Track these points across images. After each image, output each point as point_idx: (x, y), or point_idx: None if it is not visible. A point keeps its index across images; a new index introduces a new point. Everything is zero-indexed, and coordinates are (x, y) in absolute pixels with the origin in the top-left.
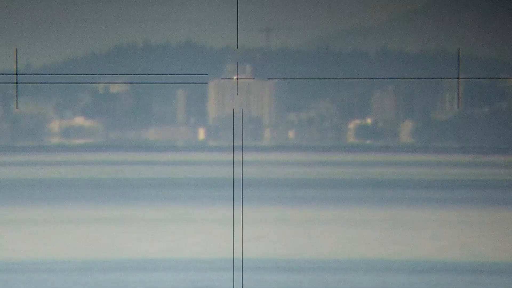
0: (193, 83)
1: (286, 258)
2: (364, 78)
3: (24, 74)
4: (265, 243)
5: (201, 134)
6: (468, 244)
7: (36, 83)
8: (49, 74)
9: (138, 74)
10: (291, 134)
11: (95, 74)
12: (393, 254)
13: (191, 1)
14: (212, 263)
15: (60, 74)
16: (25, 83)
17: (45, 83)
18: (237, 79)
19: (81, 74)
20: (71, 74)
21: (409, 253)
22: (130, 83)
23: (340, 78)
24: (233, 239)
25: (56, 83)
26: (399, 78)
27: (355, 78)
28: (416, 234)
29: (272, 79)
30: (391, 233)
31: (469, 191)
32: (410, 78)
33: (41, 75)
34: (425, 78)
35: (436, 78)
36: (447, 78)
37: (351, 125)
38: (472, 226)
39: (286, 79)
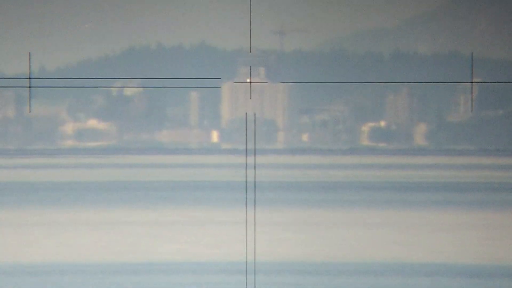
0: (207, 87)
1: (299, 260)
2: (378, 82)
3: (38, 78)
4: (277, 246)
5: (215, 137)
6: (483, 246)
7: (49, 86)
8: (63, 78)
9: (152, 78)
10: (304, 137)
11: (109, 78)
12: (408, 257)
13: (205, 4)
14: (225, 266)
15: (74, 78)
16: (38, 87)
17: (58, 87)
18: (250, 82)
19: (94, 78)
20: (84, 78)
21: (424, 255)
22: (143, 86)
23: (353, 82)
24: (245, 242)
25: (69, 86)
26: (412, 82)
27: (369, 82)
28: (431, 237)
29: (285, 82)
30: (406, 236)
31: (484, 194)
32: (423, 82)
33: (55, 79)
34: (439, 82)
35: (449, 82)
36: (461, 82)
37: (365, 128)
38: (488, 228)
39: (299, 82)
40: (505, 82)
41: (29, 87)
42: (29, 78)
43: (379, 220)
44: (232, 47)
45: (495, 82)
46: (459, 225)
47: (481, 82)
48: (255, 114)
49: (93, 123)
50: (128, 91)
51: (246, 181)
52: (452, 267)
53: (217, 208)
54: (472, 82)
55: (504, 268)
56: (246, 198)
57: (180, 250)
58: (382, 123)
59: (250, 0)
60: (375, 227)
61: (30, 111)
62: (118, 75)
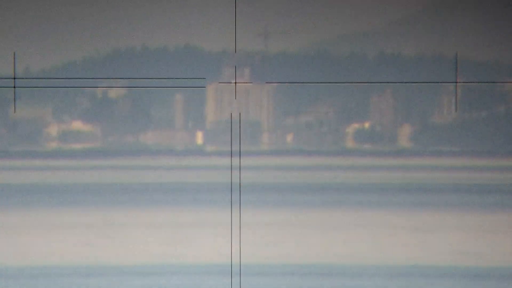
0: (191, 87)
1: (284, 262)
2: (362, 82)
3: (23, 78)
4: (263, 248)
5: (199, 138)
6: (464, 248)
7: (34, 87)
8: (47, 78)
9: (136, 79)
10: (289, 138)
11: (93, 79)
12: (389, 259)
13: (189, 5)
14: (210, 267)
15: (58, 78)
16: (23, 87)
17: (43, 87)
18: (235, 83)
19: (79, 78)
20: (69, 78)
21: (409, 257)
22: (128, 87)
23: (338, 82)
24: (231, 244)
25: (54, 87)
26: (397, 82)
27: (353, 82)
28: (418, 238)
29: (270, 83)
30: (389, 237)
31: (467, 195)
32: (408, 82)
33: (40, 79)
34: (423, 82)
35: (434, 82)
36: (445, 82)
37: (349, 129)
38: (470, 230)
39: (284, 83)
40: (489, 83)
41: (14, 87)
42: (14, 78)
43: (364, 221)
44: (217, 48)
45: (479, 83)
46: (440, 226)
47: (465, 83)
48: (240, 114)
49: (77, 124)
50: (113, 93)
51: (231, 183)
52: (433, 268)
53: (202, 210)
54: (456, 83)
55: (489, 269)
56: (231, 200)
57: (165, 252)
58: (367, 124)
59: (235, 1)
60: (360, 228)
61: (14, 112)
62: (103, 76)
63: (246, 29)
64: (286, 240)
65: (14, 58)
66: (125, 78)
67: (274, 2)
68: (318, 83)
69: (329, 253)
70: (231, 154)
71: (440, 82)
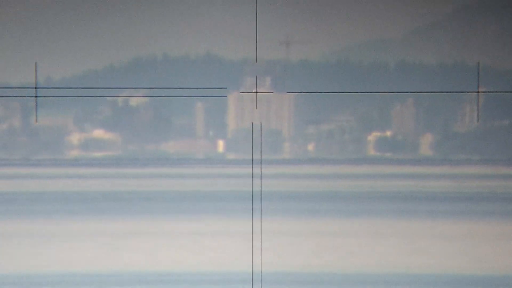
0: (212, 96)
1: (305, 271)
2: (384, 92)
3: (44, 88)
4: (284, 256)
5: (220, 147)
6: (488, 257)
7: (55, 96)
8: (68, 88)
9: (157, 88)
10: (310, 147)
11: (114, 88)
12: (413, 267)
13: (210, 14)
14: (231, 276)
15: (79, 87)
16: (44, 96)
17: (64, 96)
18: (256, 92)
19: (100, 88)
20: (90, 88)
21: (431, 266)
22: (149, 96)
23: (359, 92)
24: (252, 252)
25: (75, 96)
26: (418, 92)
27: (375, 92)
28: (439, 246)
29: (291, 92)
30: (412, 246)
31: (490, 204)
32: (429, 92)
33: (61, 89)
34: (445, 92)
35: (455, 92)
36: (467, 92)
37: (371, 138)
38: (495, 238)
39: (306, 92)
40: (511, 92)
41: (36, 96)
42: (35, 88)
43: (386, 230)
44: (238, 57)
45: (502, 92)
46: (465, 235)
47: (487, 92)
48: (261, 123)
49: (99, 133)
50: (134, 101)
51: (252, 191)
52: (459, 277)
53: (223, 218)
54: (478, 92)
55: (509, 278)
56: (252, 208)
57: (186, 260)
58: (388, 133)
59: (256, 10)
60: (382, 237)
61: (36, 121)
62: (124, 85)
63: (267, 38)
64: (307, 248)
65: (36, 68)
66: (146, 88)
67: (295, 11)
68: (339, 92)
69: (351, 261)
70: (252, 163)
71: (462, 92)
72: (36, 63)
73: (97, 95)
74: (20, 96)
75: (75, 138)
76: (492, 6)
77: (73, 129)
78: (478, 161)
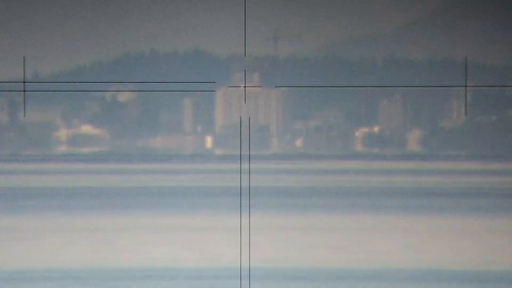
0: (201, 91)
1: (294, 266)
2: (371, 87)
3: (32, 82)
4: (272, 251)
5: (208, 142)
6: (472, 252)
7: (43, 91)
8: (57, 82)
9: (145, 82)
10: (298, 142)
11: (102, 83)
12: (403, 261)
13: (199, 10)
14: (219, 271)
15: (68, 82)
16: (32, 91)
17: (52, 91)
18: (245, 87)
19: (88, 82)
20: (78, 82)
21: (420, 260)
22: (137, 91)
23: (347, 86)
24: (240, 247)
25: (63, 91)
26: (406, 86)
27: (362, 87)
28: (424, 241)
29: (279, 87)
30: (402, 240)
31: (477, 199)
32: (417, 86)
33: (49, 83)
34: (433, 86)
35: (443, 86)
36: (455, 86)
37: (358, 134)
38: (480, 234)
39: (294, 87)
40: (499, 87)
41: (23, 91)
42: (23, 82)
43: (375, 224)
44: (226, 53)
45: (489, 87)
46: (451, 230)
47: (475, 87)
48: (249, 118)
49: (87, 128)
50: (122, 97)
51: (240, 186)
52: (445, 272)
53: (212, 214)
54: (466, 87)
55: (500, 273)
56: (240, 203)
57: (174, 256)
58: (376, 129)
59: (244, 6)
60: (370, 231)
61: (24, 116)
62: (112, 80)
63: (255, 33)
64: (295, 243)
65: (24, 63)
66: (134, 82)
67: (283, 7)
68: (327, 87)
69: (339, 256)
70: (240, 158)
71: (450, 86)
72: (24, 57)
73: (85, 90)
74: (9, 90)
75: (63, 133)
76: (480, 3)
77: (61, 125)
78: (466, 156)
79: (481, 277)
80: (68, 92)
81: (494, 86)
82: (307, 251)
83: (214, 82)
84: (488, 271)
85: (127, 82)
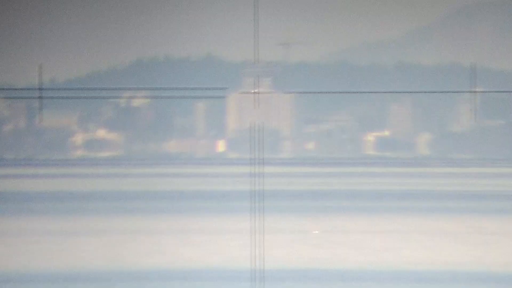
0: (213, 97)
1: (307, 267)
2: (382, 92)
3: (48, 89)
4: (286, 253)
5: (221, 146)
6: (484, 255)
7: (59, 97)
8: (72, 89)
9: (159, 88)
10: (309, 146)
11: (117, 89)
12: (411, 264)
13: (211, 15)
14: (233, 273)
15: (83, 88)
16: (49, 97)
17: (68, 97)
18: (256, 93)
19: (103, 89)
20: (93, 89)
21: (430, 262)
22: (151, 97)
23: (358, 92)
24: (254, 249)
25: (79, 97)
26: (415, 92)
27: (373, 92)
28: (434, 244)
29: (290, 92)
30: (409, 243)
31: (486, 202)
32: (426, 92)
33: (65, 90)
34: (442, 92)
35: (452, 92)
36: (463, 91)
37: (370, 137)
38: (489, 235)
39: (305, 92)
40: (507, 92)
41: (40, 97)
42: (40, 89)
43: (387, 227)
44: (237, 58)
45: (497, 92)
46: (460, 231)
47: (483, 92)
48: (260, 123)
49: (102, 133)
50: (136, 102)
51: (253, 190)
52: (453, 273)
53: (225, 217)
54: (474, 92)
55: (502, 274)
56: (254, 207)
57: (188, 258)
58: (387, 133)
59: (255, 11)
60: (382, 234)
61: (41, 122)
62: (127, 86)
63: (266, 39)
64: (308, 245)
65: (40, 69)
66: (148, 89)
67: (294, 12)
68: (338, 92)
69: (352, 258)
70: (253, 163)
71: (459, 91)
72: (40, 64)
73: (100, 95)
74: (25, 97)
75: (79, 138)
76: (488, 8)
77: (77, 130)
78: (474, 159)
79: (494, 278)
80: (84, 98)
81: (502, 91)
82: (319, 253)
83: (227, 88)
84: (500, 272)
85: (141, 89)
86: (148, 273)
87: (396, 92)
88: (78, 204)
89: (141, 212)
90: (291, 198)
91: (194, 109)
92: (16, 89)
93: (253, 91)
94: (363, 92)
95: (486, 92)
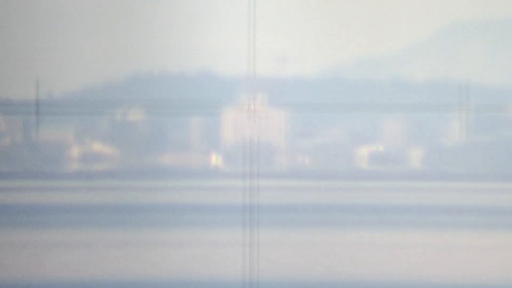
0: (208, 110)
1: (301, 280)
2: (375, 106)
3: (44, 104)
4: (280, 267)
5: (216, 160)
6: (474, 269)
7: (56, 112)
8: (67, 106)
9: (154, 102)
10: (304, 160)
11: (113, 102)
12: (404, 277)
13: (207, 29)
14: (227, 286)
15: (79, 103)
16: (45, 113)
17: (65, 112)
18: (251, 107)
19: (99, 102)
20: (89, 102)
21: (423, 275)
22: (146, 110)
23: (353, 107)
24: (248, 263)
25: (75, 112)
26: (409, 106)
27: (367, 107)
28: (425, 259)
29: (286, 106)
30: (401, 257)
31: (479, 216)
32: (419, 107)
33: (61, 104)
34: (434, 106)
35: (444, 106)
36: (455, 106)
37: (363, 152)
38: (481, 249)
39: (300, 106)
40: (498, 107)
41: (37, 112)
42: (37, 104)
43: (380, 240)
44: (233, 72)
45: (489, 107)
46: (452, 245)
47: (475, 107)
48: (255, 137)
49: (98, 146)
50: (131, 116)
51: (248, 204)
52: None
53: (219, 230)
54: (466, 107)
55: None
56: (248, 220)
57: (181, 271)
58: (380, 147)
59: (252, 27)
60: (376, 247)
61: (37, 134)
62: (122, 100)
63: (262, 54)
64: (302, 258)
65: (37, 84)
66: (143, 103)
67: (291, 28)
68: (333, 106)
69: (344, 272)
70: (247, 176)
71: (451, 106)
72: (37, 78)
73: (97, 109)
74: (21, 112)
75: (75, 151)
76: (480, 25)
77: (73, 143)
78: (466, 174)
79: None
80: (80, 111)
81: (494, 107)
82: (313, 266)
83: (221, 102)
84: (489, 285)
85: (137, 103)
86: (140, 285)
87: (389, 106)
88: (73, 216)
89: (134, 225)
90: (286, 211)
91: (189, 123)
92: (13, 105)
93: (248, 105)
94: (358, 107)
95: (478, 107)
